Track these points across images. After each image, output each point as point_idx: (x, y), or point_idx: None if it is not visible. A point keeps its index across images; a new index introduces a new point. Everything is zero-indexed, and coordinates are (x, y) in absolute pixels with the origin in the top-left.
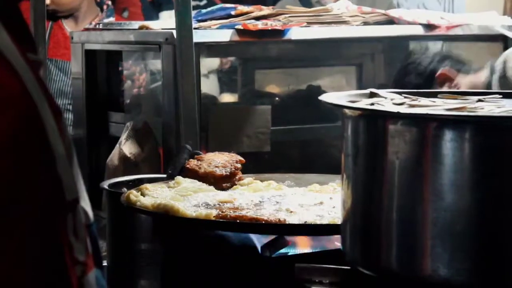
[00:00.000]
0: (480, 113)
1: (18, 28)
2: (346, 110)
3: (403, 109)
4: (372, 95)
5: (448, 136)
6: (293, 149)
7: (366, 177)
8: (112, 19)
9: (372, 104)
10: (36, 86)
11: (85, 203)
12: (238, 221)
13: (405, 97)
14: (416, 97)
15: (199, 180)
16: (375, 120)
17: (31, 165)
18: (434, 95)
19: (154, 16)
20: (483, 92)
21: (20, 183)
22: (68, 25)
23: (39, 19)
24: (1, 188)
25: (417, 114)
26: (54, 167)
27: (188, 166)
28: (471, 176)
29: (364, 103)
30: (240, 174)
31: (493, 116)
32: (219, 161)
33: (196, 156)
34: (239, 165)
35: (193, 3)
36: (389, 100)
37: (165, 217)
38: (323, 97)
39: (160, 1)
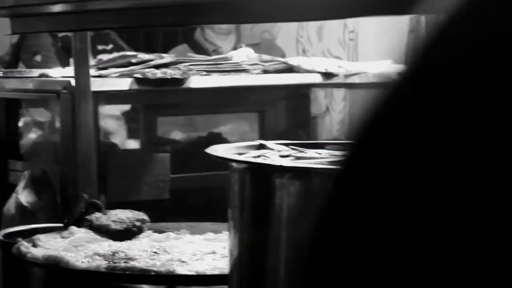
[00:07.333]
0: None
1: None
2: (232, 163)
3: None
4: (261, 146)
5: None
6: (193, 196)
7: (251, 228)
8: None
9: (258, 156)
10: None
11: None
12: (127, 272)
13: (292, 149)
14: (303, 148)
15: (94, 232)
16: (258, 173)
17: None
18: (321, 146)
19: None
20: None
21: None
22: None
23: None
24: None
25: (300, 168)
26: None
27: (87, 217)
28: None
29: (249, 156)
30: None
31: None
32: (121, 216)
33: (106, 211)
34: (137, 224)
35: (99, 47)
36: (276, 152)
37: (55, 268)
38: (210, 150)
39: (69, 46)
